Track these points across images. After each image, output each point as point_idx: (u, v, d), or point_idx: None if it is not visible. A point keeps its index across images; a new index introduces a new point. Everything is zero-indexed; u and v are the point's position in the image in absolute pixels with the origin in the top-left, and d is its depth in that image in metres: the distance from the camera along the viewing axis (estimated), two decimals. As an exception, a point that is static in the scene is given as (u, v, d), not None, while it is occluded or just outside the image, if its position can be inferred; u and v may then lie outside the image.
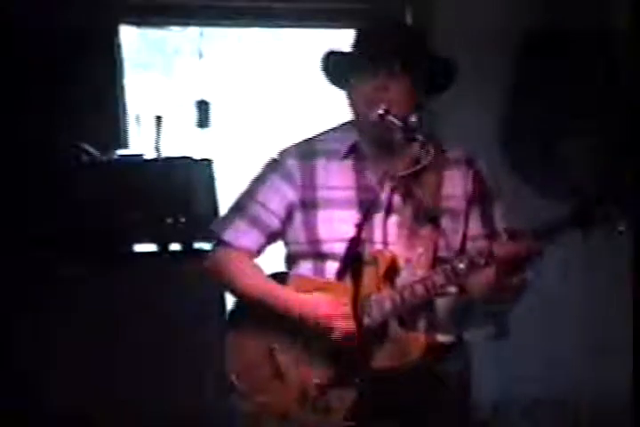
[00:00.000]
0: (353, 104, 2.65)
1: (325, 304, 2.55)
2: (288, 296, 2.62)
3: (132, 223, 3.79)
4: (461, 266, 2.48)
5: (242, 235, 2.70)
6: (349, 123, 2.72)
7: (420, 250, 2.59)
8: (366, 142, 2.67)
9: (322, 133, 2.76)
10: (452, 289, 2.60)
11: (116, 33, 4.31)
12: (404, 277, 2.57)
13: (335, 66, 2.67)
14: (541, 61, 4.44)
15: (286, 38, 4.74)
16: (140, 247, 3.84)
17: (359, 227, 2.53)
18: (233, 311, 2.76)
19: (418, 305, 2.56)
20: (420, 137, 2.51)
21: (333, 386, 2.56)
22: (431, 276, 2.53)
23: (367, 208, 2.59)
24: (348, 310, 2.51)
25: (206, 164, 3.94)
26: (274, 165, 2.71)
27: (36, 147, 3.90)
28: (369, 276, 2.54)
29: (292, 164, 2.68)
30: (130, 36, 4.40)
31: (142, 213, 3.80)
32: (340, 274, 2.60)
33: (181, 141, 4.33)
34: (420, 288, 2.53)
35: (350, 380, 2.55)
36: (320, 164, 2.67)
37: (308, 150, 2.70)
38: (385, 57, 2.57)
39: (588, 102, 4.42)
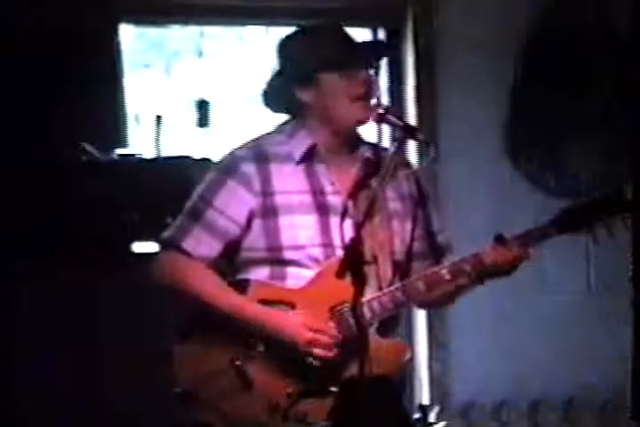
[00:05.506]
0: (324, 103, 2.54)
1: (304, 327, 2.46)
2: (259, 311, 2.51)
3: (132, 223, 3.78)
4: (445, 273, 2.49)
5: (201, 244, 2.57)
6: (287, 124, 2.64)
7: (380, 254, 2.55)
8: (325, 145, 2.59)
9: (265, 136, 2.65)
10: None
11: (115, 32, 4.30)
12: (371, 283, 2.50)
13: (300, 56, 2.54)
14: (543, 61, 4.44)
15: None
16: (139, 247, 3.83)
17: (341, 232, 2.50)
18: (184, 323, 2.64)
19: (394, 312, 2.53)
20: (420, 136, 2.48)
21: (306, 395, 2.48)
22: (413, 282, 2.51)
23: (326, 212, 2.54)
24: (329, 333, 2.46)
25: (206, 163, 3.93)
26: (229, 170, 2.58)
27: (35, 146, 3.90)
28: (340, 282, 2.38)
29: (248, 169, 2.56)
30: (129, 36, 4.40)
31: (142, 213, 3.79)
32: (311, 281, 2.52)
33: (181, 141, 4.33)
34: (400, 295, 2.50)
35: (325, 389, 2.48)
36: (274, 168, 2.56)
37: (260, 154, 2.58)
38: (377, 45, 2.52)
39: (590, 102, 4.42)
